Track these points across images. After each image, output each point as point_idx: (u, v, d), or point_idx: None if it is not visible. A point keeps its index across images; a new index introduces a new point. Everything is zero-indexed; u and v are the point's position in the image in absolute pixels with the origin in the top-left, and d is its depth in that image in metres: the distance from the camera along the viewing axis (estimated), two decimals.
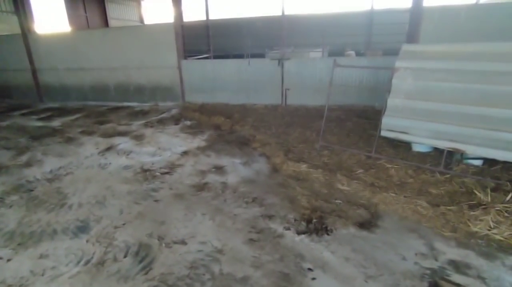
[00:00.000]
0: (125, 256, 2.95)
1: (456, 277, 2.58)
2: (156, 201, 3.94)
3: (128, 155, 5.54)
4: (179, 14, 8.90)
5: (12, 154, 5.84)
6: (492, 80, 3.91)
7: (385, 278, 2.59)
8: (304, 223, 3.35)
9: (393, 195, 3.76)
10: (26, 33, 10.68)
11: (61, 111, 9.45)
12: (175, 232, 3.29)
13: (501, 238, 3.01)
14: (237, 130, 6.65)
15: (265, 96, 8.70)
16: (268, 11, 26.69)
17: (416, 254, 2.86)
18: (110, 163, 5.21)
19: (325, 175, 4.35)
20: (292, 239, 3.12)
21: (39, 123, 8.07)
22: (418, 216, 3.41)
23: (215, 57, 10.00)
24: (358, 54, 12.26)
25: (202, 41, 15.62)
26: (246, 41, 11.17)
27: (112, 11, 20.99)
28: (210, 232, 3.27)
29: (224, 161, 5.11)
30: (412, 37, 7.10)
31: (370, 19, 13.09)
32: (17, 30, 11.05)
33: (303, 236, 3.16)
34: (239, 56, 10.13)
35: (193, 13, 18.05)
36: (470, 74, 4.07)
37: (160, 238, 3.19)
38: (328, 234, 3.17)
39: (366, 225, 3.31)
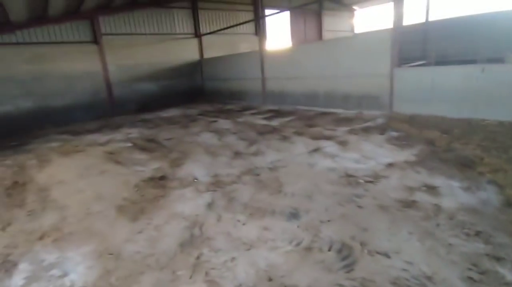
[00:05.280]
0: (329, 250, 3.19)
1: None
2: (359, 207, 4.00)
3: (333, 158, 5.90)
4: (399, 19, 8.53)
5: (245, 144, 7.50)
6: None
7: None
8: None
9: None
10: (262, 50, 13.40)
11: (278, 113, 11.22)
12: (377, 242, 3.24)
13: None
14: (456, 148, 5.69)
15: (500, 110, 6.96)
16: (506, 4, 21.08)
17: None
18: (316, 163, 5.72)
19: None
20: None
21: (263, 122, 9.93)
22: None
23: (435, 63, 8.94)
24: None
25: (416, 46, 14.33)
26: (477, 43, 9.35)
27: (327, 23, 22.78)
28: (417, 254, 3.00)
29: (438, 181, 4.51)
30: None
31: None
32: (254, 47, 14.15)
33: None
34: (466, 62, 8.59)
35: (407, 17, 16.83)
36: None
37: (363, 244, 3.22)
38: None
39: None
